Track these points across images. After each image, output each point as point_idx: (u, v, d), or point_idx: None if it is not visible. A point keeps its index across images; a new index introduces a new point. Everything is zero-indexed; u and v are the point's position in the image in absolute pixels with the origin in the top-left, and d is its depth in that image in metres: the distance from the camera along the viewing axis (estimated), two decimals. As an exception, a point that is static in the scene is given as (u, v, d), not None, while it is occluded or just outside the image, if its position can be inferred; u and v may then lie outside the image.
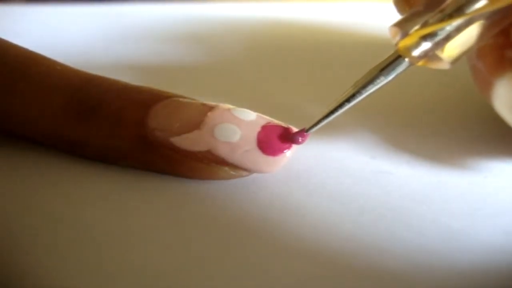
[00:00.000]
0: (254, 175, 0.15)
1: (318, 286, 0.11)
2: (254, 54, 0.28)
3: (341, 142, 0.18)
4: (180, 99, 0.15)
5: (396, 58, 0.14)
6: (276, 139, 0.14)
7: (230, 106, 0.15)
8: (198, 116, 0.14)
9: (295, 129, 0.15)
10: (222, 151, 0.14)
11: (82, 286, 0.11)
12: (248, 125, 0.14)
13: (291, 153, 0.15)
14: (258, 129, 0.14)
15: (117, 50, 0.33)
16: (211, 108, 0.15)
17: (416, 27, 0.13)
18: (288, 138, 0.15)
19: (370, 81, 0.14)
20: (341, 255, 0.12)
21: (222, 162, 0.14)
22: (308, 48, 0.33)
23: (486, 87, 0.14)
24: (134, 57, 0.31)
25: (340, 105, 0.14)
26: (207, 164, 0.15)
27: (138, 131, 0.15)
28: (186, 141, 0.14)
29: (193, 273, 0.11)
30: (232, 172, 0.15)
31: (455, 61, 0.14)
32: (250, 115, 0.15)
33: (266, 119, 0.15)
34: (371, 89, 0.14)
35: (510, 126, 0.14)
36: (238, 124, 0.14)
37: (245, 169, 0.15)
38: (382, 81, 0.14)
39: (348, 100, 0.14)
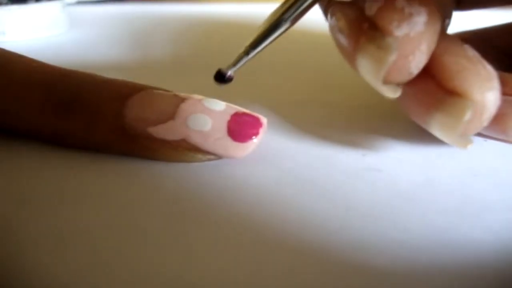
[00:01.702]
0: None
1: (300, 278, 0.11)
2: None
3: (333, 139, 0.18)
4: (154, 91, 0.16)
5: None
6: (244, 126, 0.15)
7: (201, 97, 0.16)
8: (172, 107, 0.15)
9: (262, 118, 0.16)
10: (195, 140, 0.15)
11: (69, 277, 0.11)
12: (218, 115, 0.15)
13: (259, 139, 0.16)
14: (227, 118, 0.15)
15: (107, 49, 0.33)
16: (183, 99, 0.15)
17: None
18: (220, 80, 0.16)
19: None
20: (325, 249, 0.12)
21: (195, 149, 0.15)
22: (302, 48, 0.33)
23: (350, 59, 0.15)
24: (123, 56, 0.31)
25: (262, 38, 0.16)
26: (182, 152, 0.15)
27: (116, 122, 0.15)
28: (162, 131, 0.15)
29: (169, 253, 0.11)
30: (206, 157, 0.16)
31: None
32: (220, 105, 0.16)
33: (235, 108, 0.16)
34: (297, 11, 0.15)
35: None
36: (209, 114, 0.15)
37: (217, 155, 0.16)
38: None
39: (269, 31, 0.16)
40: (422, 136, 0.18)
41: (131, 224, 0.13)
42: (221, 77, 0.16)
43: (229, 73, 0.16)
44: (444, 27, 0.15)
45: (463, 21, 0.19)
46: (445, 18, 0.15)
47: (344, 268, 0.11)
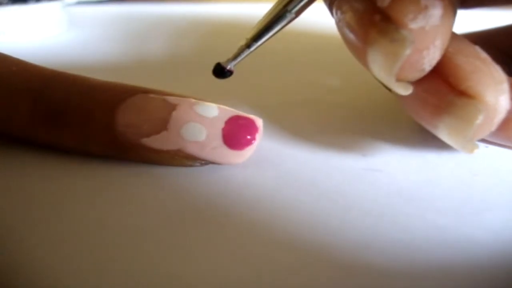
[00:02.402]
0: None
1: (300, 278, 0.11)
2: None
3: (333, 139, 0.18)
4: (144, 96, 0.15)
5: None
6: (240, 132, 0.15)
7: (193, 100, 0.15)
8: (163, 115, 0.15)
9: (257, 120, 0.16)
10: (191, 150, 0.15)
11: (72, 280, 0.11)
12: (212, 122, 0.15)
13: (256, 144, 0.15)
14: (221, 125, 0.15)
15: (101, 50, 0.33)
16: (174, 106, 0.15)
17: None
18: (219, 75, 0.15)
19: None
20: (325, 249, 0.12)
21: (192, 158, 0.15)
22: (300, 48, 0.33)
23: (359, 55, 0.14)
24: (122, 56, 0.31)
25: (264, 30, 0.15)
26: (179, 160, 0.15)
27: (108, 134, 0.15)
28: (156, 142, 0.15)
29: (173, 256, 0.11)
30: (203, 163, 0.15)
31: None
32: (212, 111, 0.15)
33: (228, 112, 0.15)
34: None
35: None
36: (202, 122, 0.15)
37: (215, 163, 0.15)
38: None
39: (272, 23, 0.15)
40: (422, 136, 0.18)
41: (131, 225, 0.13)
42: (220, 71, 0.15)
43: (229, 67, 0.15)
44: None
45: (464, 20, 0.19)
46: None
47: (344, 268, 0.11)
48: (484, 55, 0.14)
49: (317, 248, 0.12)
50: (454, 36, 0.14)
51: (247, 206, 0.14)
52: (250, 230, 0.13)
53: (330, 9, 0.16)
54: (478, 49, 0.14)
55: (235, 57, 0.15)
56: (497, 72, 0.13)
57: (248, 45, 0.15)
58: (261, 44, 0.15)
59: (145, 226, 0.13)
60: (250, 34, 0.15)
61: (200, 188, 0.15)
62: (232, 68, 0.15)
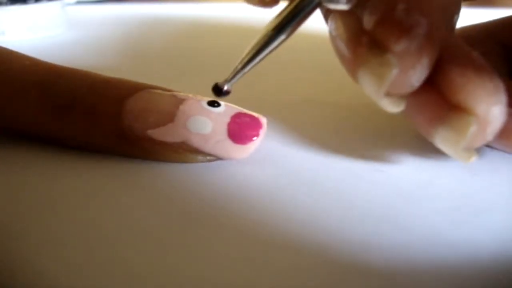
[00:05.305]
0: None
1: (301, 278, 0.11)
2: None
3: (333, 139, 0.18)
4: (152, 91, 0.15)
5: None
6: (245, 128, 0.15)
7: (200, 97, 0.15)
8: (171, 108, 0.15)
9: (262, 118, 0.16)
10: (196, 142, 0.15)
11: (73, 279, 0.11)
12: (218, 117, 0.15)
13: (259, 140, 0.16)
14: (227, 120, 0.15)
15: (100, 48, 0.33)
16: (182, 100, 0.15)
17: None
18: (218, 94, 0.15)
19: (288, 18, 0.14)
20: (325, 249, 0.12)
21: (196, 151, 0.15)
22: (302, 48, 0.33)
23: (350, 70, 0.14)
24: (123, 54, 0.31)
25: (259, 51, 0.15)
26: (182, 153, 0.15)
27: (115, 125, 0.15)
28: (162, 134, 0.15)
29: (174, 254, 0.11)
30: (206, 159, 0.16)
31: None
32: (219, 107, 0.15)
33: (234, 108, 0.16)
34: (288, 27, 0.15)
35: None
36: (208, 116, 0.15)
37: (217, 157, 0.16)
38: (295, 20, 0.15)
39: (266, 43, 0.15)
40: (422, 136, 0.18)
41: (131, 224, 0.13)
42: (218, 91, 0.15)
43: (226, 87, 0.15)
44: (452, 25, 0.14)
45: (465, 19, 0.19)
46: (454, 14, 0.14)
47: (344, 268, 0.11)
48: (480, 61, 0.14)
49: (316, 248, 0.12)
50: (450, 39, 0.14)
51: (247, 204, 0.14)
52: (249, 229, 0.13)
53: (326, 19, 0.16)
54: (474, 56, 0.14)
55: (231, 78, 0.15)
56: (491, 81, 0.13)
57: (242, 67, 0.15)
58: (255, 64, 0.15)
59: (145, 224, 0.13)
60: (244, 54, 0.15)
61: (199, 186, 0.15)
62: (230, 88, 0.15)
